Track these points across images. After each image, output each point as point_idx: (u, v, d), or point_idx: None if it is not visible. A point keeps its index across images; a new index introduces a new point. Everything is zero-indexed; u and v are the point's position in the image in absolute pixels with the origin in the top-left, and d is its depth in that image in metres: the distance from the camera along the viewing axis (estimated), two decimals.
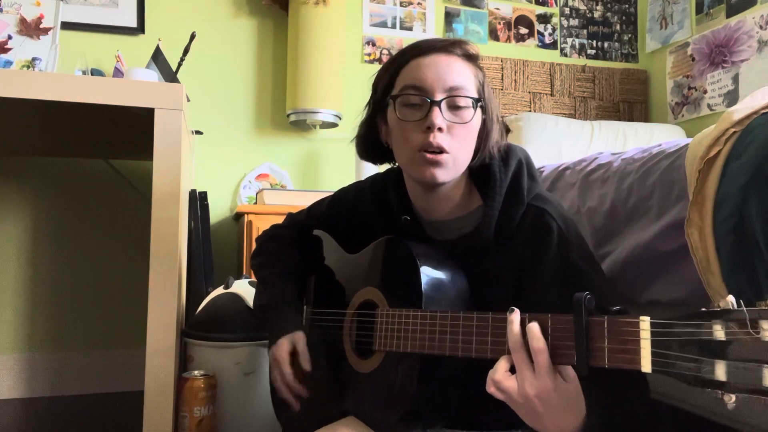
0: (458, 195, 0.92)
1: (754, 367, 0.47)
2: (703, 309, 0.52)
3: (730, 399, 0.49)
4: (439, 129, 0.84)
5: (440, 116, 0.85)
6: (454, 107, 0.86)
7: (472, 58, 0.90)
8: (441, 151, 0.85)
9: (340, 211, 1.13)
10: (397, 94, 0.88)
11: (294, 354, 1.04)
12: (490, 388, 0.68)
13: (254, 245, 1.24)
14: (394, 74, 0.90)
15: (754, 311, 0.48)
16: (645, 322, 0.57)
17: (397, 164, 1.00)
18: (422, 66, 0.87)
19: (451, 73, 0.86)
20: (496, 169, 0.90)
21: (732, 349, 0.49)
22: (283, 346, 1.04)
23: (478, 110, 0.88)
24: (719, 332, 0.50)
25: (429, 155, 0.85)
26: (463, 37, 2.86)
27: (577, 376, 0.67)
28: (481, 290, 0.88)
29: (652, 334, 0.56)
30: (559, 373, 0.65)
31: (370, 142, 0.98)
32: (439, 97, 0.85)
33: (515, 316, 0.68)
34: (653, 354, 0.55)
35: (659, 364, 0.55)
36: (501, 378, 0.67)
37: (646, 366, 0.56)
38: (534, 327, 0.66)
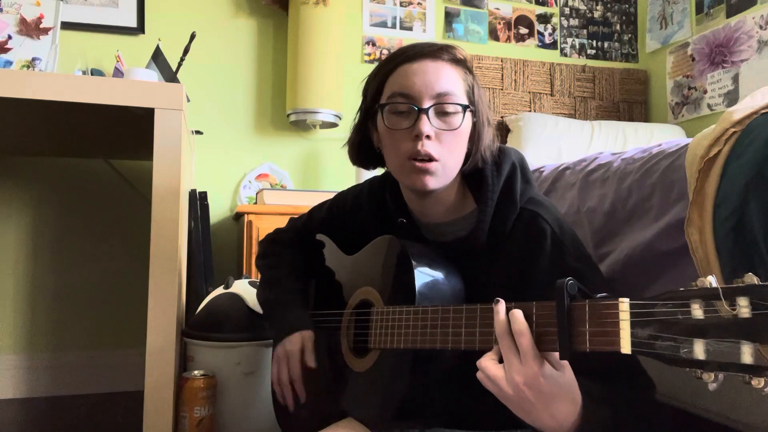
0: (451, 198, 0.92)
1: (732, 345, 0.48)
2: (682, 289, 0.52)
3: (710, 378, 0.49)
4: (428, 137, 0.84)
5: (428, 124, 0.84)
6: (442, 114, 0.86)
7: (460, 62, 0.89)
8: (430, 159, 0.85)
9: (339, 215, 1.14)
10: (385, 103, 0.88)
11: (302, 352, 1.03)
12: (479, 374, 0.68)
13: (254, 245, 1.24)
14: (382, 81, 0.90)
15: (731, 289, 0.48)
16: (624, 304, 0.57)
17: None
18: (409, 73, 0.86)
19: (439, 79, 0.86)
20: (489, 174, 0.90)
21: (710, 327, 0.49)
22: (296, 341, 1.03)
23: (468, 115, 0.88)
24: (697, 311, 0.50)
25: (418, 163, 0.85)
26: (462, 38, 2.88)
27: (572, 367, 0.67)
28: (476, 293, 0.88)
29: (632, 315, 0.56)
30: (549, 361, 0.65)
31: (363, 148, 0.98)
32: (426, 104, 0.85)
33: (500, 306, 0.68)
34: (632, 335, 0.56)
35: (639, 345, 0.55)
36: (487, 364, 0.68)
37: (625, 347, 0.56)
38: (517, 312, 0.67)
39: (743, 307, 0.47)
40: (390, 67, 0.89)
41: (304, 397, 1.04)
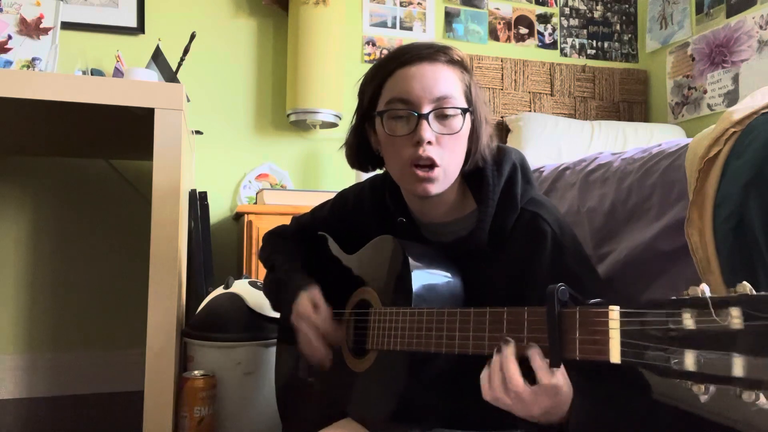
0: (452, 199, 0.92)
1: (723, 356, 0.46)
2: (673, 297, 0.51)
3: (701, 390, 0.47)
4: (428, 142, 0.84)
5: (429, 129, 0.84)
6: (442, 117, 0.85)
7: (457, 63, 0.89)
8: (432, 164, 0.84)
9: (341, 214, 1.14)
10: (384, 109, 0.87)
11: (315, 307, 1.00)
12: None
13: (254, 245, 1.24)
14: (379, 85, 0.89)
15: (723, 299, 0.47)
16: (614, 312, 0.56)
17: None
18: (407, 77, 0.86)
19: (438, 82, 0.85)
20: (489, 174, 0.90)
21: (701, 337, 0.48)
22: (304, 300, 1.00)
23: (467, 117, 0.88)
24: (688, 321, 0.49)
25: (420, 172, 0.85)
26: (462, 38, 2.88)
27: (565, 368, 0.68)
28: (476, 293, 0.88)
29: (622, 323, 0.55)
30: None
31: (360, 150, 0.97)
32: (426, 109, 0.84)
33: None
34: (622, 344, 0.54)
35: (629, 355, 0.53)
36: (485, 386, 0.69)
37: (615, 356, 0.55)
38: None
39: (735, 318, 0.46)
40: (387, 70, 0.89)
41: (339, 341, 0.99)
